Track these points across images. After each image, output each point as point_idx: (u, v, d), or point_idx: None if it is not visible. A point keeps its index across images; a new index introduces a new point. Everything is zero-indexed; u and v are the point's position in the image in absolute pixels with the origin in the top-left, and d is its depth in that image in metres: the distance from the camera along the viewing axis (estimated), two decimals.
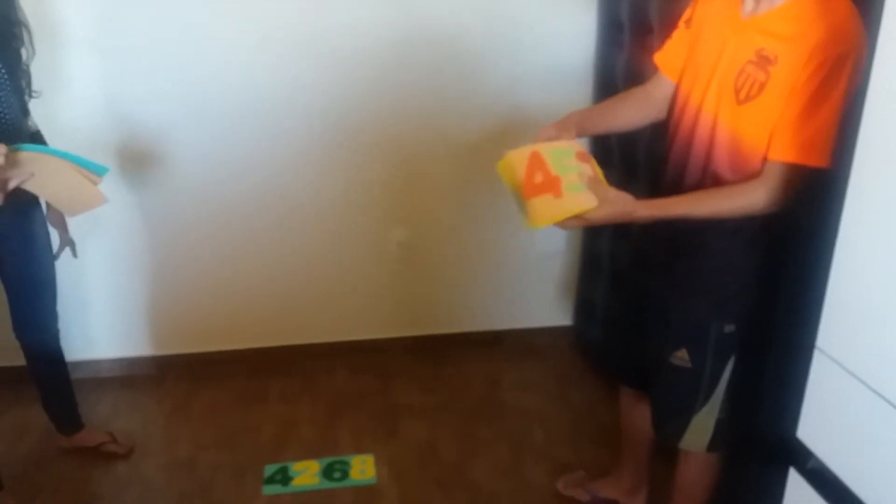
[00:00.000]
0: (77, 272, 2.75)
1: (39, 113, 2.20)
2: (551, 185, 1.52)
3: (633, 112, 1.76)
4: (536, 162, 1.56)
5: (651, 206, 1.54)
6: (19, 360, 2.35)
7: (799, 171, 1.40)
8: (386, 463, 2.42)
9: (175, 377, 2.93)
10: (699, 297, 1.64)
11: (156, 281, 2.88)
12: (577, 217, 1.53)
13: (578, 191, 1.53)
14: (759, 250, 1.59)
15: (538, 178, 1.53)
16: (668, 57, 1.68)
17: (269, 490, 2.29)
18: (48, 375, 2.39)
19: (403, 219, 2.92)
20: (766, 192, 1.43)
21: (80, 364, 2.76)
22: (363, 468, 2.38)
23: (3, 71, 2.00)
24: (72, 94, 2.57)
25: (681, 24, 1.65)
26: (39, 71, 2.15)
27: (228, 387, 2.87)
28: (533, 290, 3.11)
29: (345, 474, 2.36)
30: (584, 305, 3.01)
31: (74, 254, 2.34)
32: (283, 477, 2.34)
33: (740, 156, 1.48)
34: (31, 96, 2.14)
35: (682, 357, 1.65)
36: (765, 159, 1.45)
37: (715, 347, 1.63)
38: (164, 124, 2.66)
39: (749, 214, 1.48)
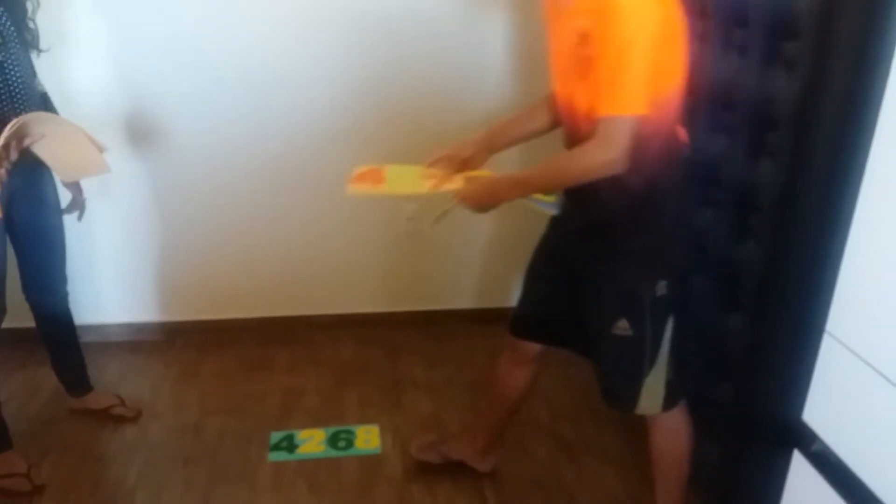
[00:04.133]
0: (87, 237, 2.77)
1: (45, 75, 2.20)
2: (375, 178, 1.84)
3: (545, 119, 1.85)
4: (372, 172, 1.88)
5: (509, 182, 1.68)
6: (30, 322, 2.37)
7: (623, 122, 1.45)
8: (390, 434, 2.44)
9: (183, 343, 2.95)
10: (623, 265, 1.67)
11: (165, 247, 2.89)
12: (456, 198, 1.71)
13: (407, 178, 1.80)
14: (659, 206, 1.63)
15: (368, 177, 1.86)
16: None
17: (275, 457, 2.32)
18: (57, 337, 2.42)
19: None
20: (599, 148, 1.48)
21: (88, 328, 2.78)
22: (368, 438, 2.41)
23: (11, 26, 2.01)
24: (79, 55, 2.57)
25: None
26: (45, 32, 2.15)
27: (236, 354, 2.90)
28: None
29: (350, 443, 2.38)
30: None
31: (80, 217, 2.34)
32: (289, 444, 2.37)
33: (578, 123, 1.57)
34: (38, 51, 2.14)
35: (622, 327, 1.67)
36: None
37: (651, 312, 1.66)
38: (177, 91, 2.66)
39: (601, 172, 1.51)
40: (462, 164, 1.84)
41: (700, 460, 2.02)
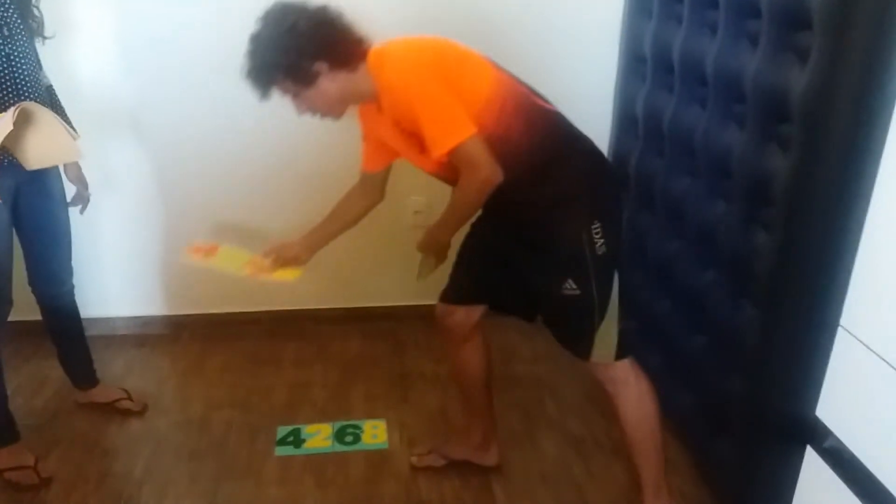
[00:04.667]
0: (94, 230, 2.76)
1: (49, 63, 2.19)
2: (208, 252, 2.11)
3: (359, 206, 2.15)
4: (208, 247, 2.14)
5: (439, 226, 1.88)
6: (36, 315, 2.37)
7: (467, 146, 1.62)
8: (397, 428, 2.43)
9: (189, 337, 2.95)
10: (552, 225, 1.74)
11: (171, 241, 2.88)
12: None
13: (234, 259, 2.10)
14: (555, 164, 1.73)
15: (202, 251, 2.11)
16: (370, 160, 2.07)
17: (282, 451, 2.31)
18: (63, 330, 2.41)
19: (421, 187, 2.90)
20: (470, 174, 1.67)
21: (95, 321, 2.77)
22: (375, 433, 2.40)
23: (17, 18, 2.00)
24: (83, 43, 2.56)
25: (363, 141, 2.04)
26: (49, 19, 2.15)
27: (242, 348, 2.89)
28: None
29: (357, 438, 2.37)
30: None
31: (83, 210, 2.34)
32: (296, 439, 2.36)
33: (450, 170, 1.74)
34: (43, 39, 2.13)
35: (570, 287, 1.74)
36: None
37: (595, 267, 1.72)
38: (183, 84, 2.65)
39: (486, 188, 1.67)
40: (288, 261, 2.09)
41: (713, 456, 2.01)
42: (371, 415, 2.50)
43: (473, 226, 2.00)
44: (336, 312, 3.06)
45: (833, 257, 1.49)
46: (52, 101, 2.15)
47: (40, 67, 2.13)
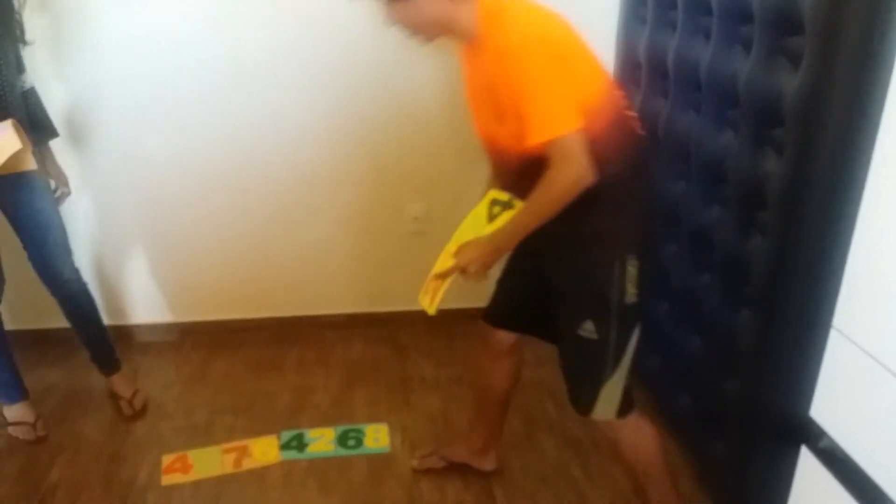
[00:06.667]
0: (98, 240, 2.79)
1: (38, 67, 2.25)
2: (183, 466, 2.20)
3: None
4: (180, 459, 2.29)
5: (505, 233, 1.68)
6: (40, 323, 2.40)
7: (568, 141, 1.50)
8: (399, 432, 2.45)
9: (193, 343, 2.97)
10: (592, 268, 1.68)
11: (175, 248, 2.91)
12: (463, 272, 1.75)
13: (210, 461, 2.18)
14: (631, 210, 1.67)
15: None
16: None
17: (286, 455, 2.34)
18: (78, 318, 2.48)
19: (421, 193, 2.93)
20: (562, 171, 1.53)
21: None
22: (377, 437, 2.42)
23: None
24: (71, 50, 2.58)
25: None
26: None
27: (245, 354, 2.91)
28: None
29: (359, 442, 2.39)
30: None
31: (59, 202, 2.40)
32: (299, 443, 2.39)
33: (530, 157, 1.58)
34: (24, 44, 2.21)
35: (588, 329, 1.68)
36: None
37: (618, 315, 1.66)
38: (183, 92, 2.67)
39: (574, 190, 1.54)
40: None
41: (708, 456, 2.03)
42: (373, 419, 2.52)
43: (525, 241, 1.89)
44: (337, 318, 3.08)
45: (826, 259, 1.50)
46: (27, 107, 2.22)
47: (22, 71, 2.21)
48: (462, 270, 1.73)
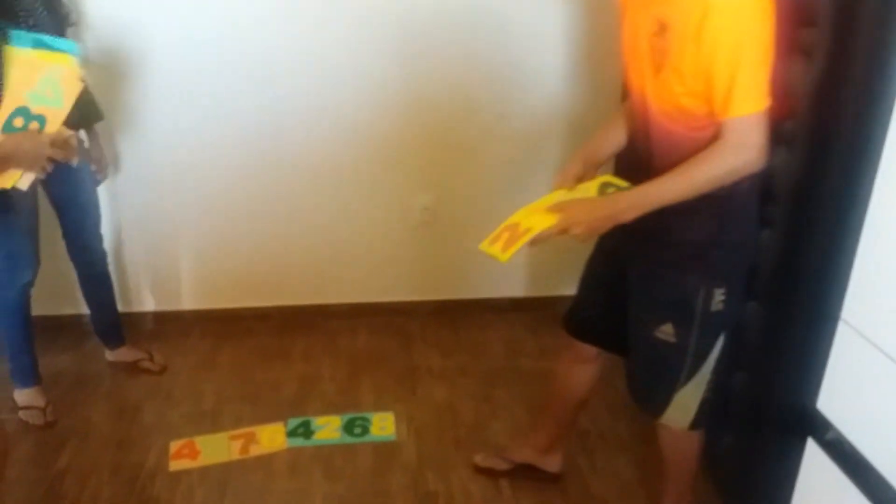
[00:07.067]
0: (107, 228, 2.80)
1: None
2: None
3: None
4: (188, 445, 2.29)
5: (630, 200, 1.51)
6: (53, 309, 2.42)
7: (754, 120, 1.39)
8: (405, 421, 2.46)
9: (201, 332, 2.99)
10: (684, 270, 1.59)
11: (182, 237, 2.92)
12: (561, 233, 1.53)
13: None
14: (743, 211, 1.57)
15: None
16: None
17: (293, 442, 2.35)
18: (96, 294, 2.61)
19: (429, 183, 2.93)
20: (735, 150, 1.41)
21: None
22: (383, 425, 2.43)
23: (43, 11, 2.08)
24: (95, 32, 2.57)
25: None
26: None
27: (252, 343, 2.93)
28: (556, 258, 3.11)
29: (365, 430, 2.41)
30: None
31: (97, 183, 2.50)
32: (306, 430, 2.40)
33: (683, 124, 1.48)
34: (69, 25, 2.25)
35: (666, 331, 1.61)
36: (715, 122, 1.43)
37: (701, 322, 1.59)
38: (191, 79, 2.68)
39: (739, 174, 1.44)
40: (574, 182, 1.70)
41: (715, 448, 2.03)
42: (379, 408, 2.53)
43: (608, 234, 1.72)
44: (344, 308, 3.09)
45: (835, 251, 1.50)
46: None
47: None
48: (564, 230, 1.52)
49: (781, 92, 1.44)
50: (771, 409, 1.69)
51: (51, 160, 1.76)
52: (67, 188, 2.36)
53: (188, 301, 3.03)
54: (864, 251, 1.45)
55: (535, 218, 1.58)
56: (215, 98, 2.71)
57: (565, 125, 2.83)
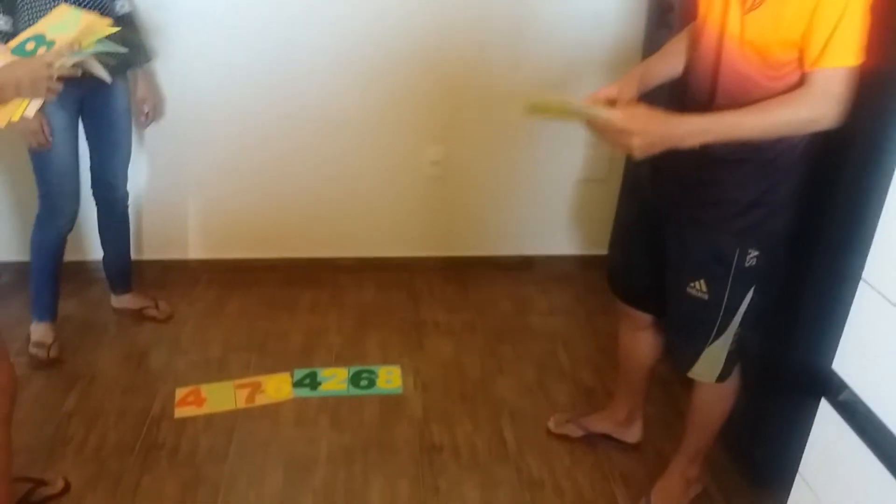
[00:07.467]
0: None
1: None
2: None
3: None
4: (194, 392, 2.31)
5: (700, 123, 1.44)
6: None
7: (844, 75, 1.34)
8: (412, 375, 2.46)
9: (208, 281, 2.98)
10: (722, 227, 1.57)
11: (191, 187, 2.90)
12: (617, 133, 1.45)
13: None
14: (795, 174, 1.53)
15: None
16: None
17: (299, 392, 2.35)
18: (113, 233, 2.62)
19: (440, 136, 2.89)
20: (817, 101, 1.37)
21: None
22: (389, 378, 2.43)
23: None
24: None
25: None
26: None
27: (259, 294, 2.92)
28: (568, 216, 3.09)
29: (371, 383, 2.41)
30: (619, 234, 2.96)
31: (142, 128, 2.61)
32: (312, 381, 2.40)
33: (760, 69, 1.42)
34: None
35: (698, 288, 1.60)
36: (802, 70, 1.39)
37: (734, 279, 1.58)
38: (198, 28, 2.62)
39: (815, 127, 1.40)
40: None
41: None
42: (385, 361, 2.52)
43: (645, 185, 1.70)
44: (352, 261, 3.07)
45: (859, 210, 1.47)
46: (123, 28, 2.24)
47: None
48: (623, 132, 1.44)
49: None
50: (786, 369, 1.67)
51: (57, 80, 1.67)
52: (103, 123, 2.37)
53: (195, 250, 3.02)
54: (889, 210, 1.41)
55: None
56: (227, 49, 2.66)
57: (582, 76, 2.76)
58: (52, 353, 2.45)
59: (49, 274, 2.45)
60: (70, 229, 2.42)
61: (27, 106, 1.53)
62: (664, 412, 2.28)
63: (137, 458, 2.08)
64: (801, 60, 1.38)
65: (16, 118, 1.52)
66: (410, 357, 2.56)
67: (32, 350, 2.46)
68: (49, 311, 2.51)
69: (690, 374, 1.72)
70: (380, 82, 2.75)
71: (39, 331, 2.49)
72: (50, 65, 1.48)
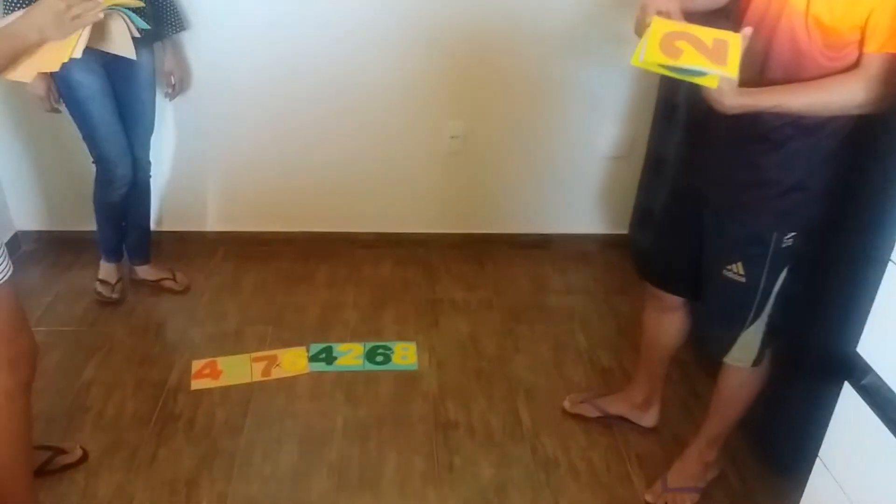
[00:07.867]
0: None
1: None
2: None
3: None
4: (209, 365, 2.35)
5: (741, 93, 1.40)
6: (80, 226, 2.42)
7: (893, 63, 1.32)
8: (427, 352, 2.45)
9: (224, 254, 2.98)
10: (762, 210, 1.55)
11: (210, 160, 2.89)
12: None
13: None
14: (836, 158, 1.50)
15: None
16: None
17: (314, 367, 2.35)
18: (133, 204, 2.59)
19: (460, 111, 2.85)
20: (863, 85, 1.36)
21: None
22: (405, 354, 2.42)
23: None
24: None
25: None
26: None
27: (276, 267, 2.91)
28: (588, 194, 3.05)
29: (387, 358, 2.40)
30: (642, 214, 2.92)
31: (172, 97, 2.60)
32: (328, 356, 2.40)
33: (819, 48, 1.39)
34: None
35: (736, 270, 1.58)
36: (860, 51, 1.36)
37: (771, 261, 1.56)
38: (233, 6, 2.59)
39: (860, 111, 1.38)
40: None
41: None
42: (401, 337, 2.52)
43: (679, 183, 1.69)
44: (369, 237, 3.06)
45: (887, 191, 1.43)
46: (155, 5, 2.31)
47: None
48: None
49: None
50: (808, 352, 1.64)
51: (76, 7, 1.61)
52: (128, 93, 2.37)
53: (213, 223, 3.02)
54: None
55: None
56: (253, 24, 2.62)
57: (606, 52, 2.71)
58: (116, 293, 2.60)
59: (113, 225, 2.57)
60: (129, 184, 2.46)
61: (74, 48, 1.48)
62: (682, 395, 2.26)
63: (154, 430, 2.09)
64: (861, 42, 1.36)
65: (57, 68, 1.48)
66: (426, 334, 2.55)
67: (98, 287, 2.61)
68: (113, 253, 2.63)
69: (727, 360, 1.70)
70: (401, 56, 2.72)
71: (106, 269, 2.63)
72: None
